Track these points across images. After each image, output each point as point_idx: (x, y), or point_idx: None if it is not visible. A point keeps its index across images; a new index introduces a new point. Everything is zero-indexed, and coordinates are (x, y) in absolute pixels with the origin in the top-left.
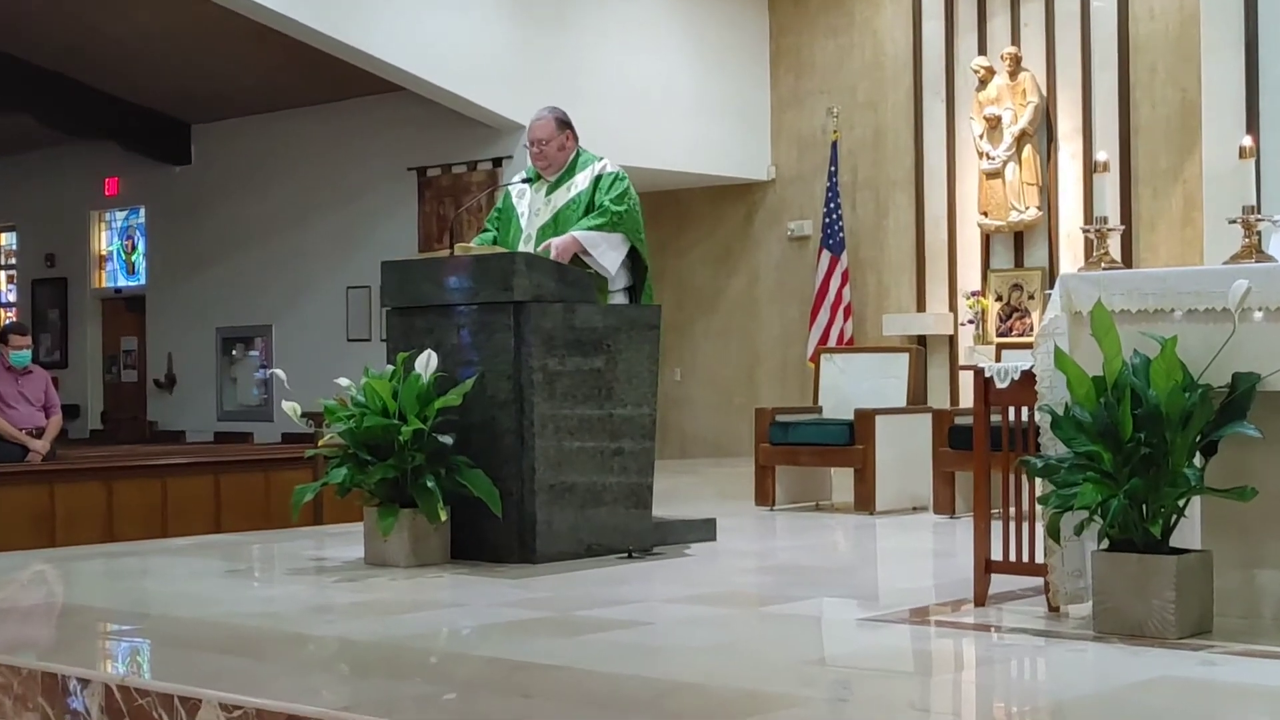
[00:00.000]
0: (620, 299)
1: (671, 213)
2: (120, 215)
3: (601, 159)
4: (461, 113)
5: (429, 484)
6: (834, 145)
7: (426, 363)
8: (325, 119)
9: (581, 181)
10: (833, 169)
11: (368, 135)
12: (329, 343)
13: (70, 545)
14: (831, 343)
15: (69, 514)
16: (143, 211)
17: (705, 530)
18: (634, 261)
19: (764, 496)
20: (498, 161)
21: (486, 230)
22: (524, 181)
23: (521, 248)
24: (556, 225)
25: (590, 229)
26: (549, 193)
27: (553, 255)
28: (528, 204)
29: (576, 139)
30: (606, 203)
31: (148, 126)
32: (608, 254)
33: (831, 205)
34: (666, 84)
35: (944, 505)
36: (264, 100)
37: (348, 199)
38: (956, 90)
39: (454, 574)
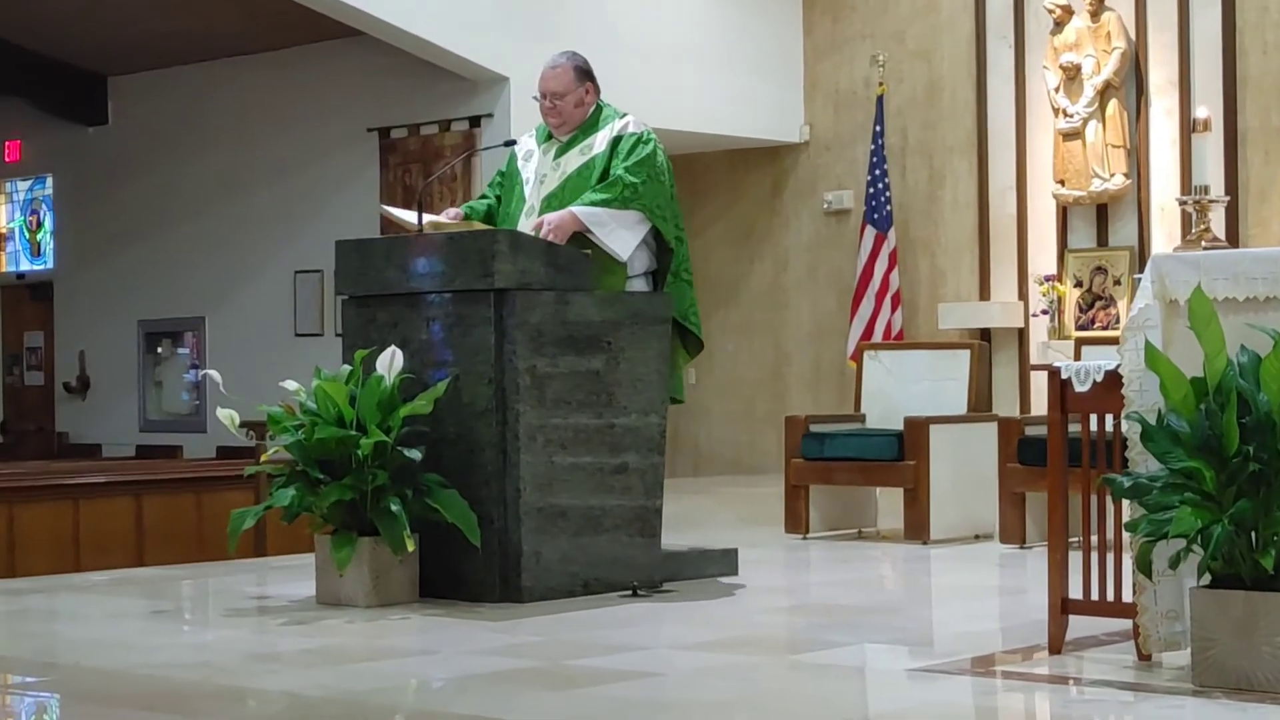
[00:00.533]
0: (641, 285)
1: (683, 182)
2: (23, 186)
3: (625, 116)
4: (432, 62)
5: (393, 508)
6: (879, 101)
7: (390, 362)
8: (269, 70)
9: (599, 143)
10: (878, 129)
11: (320, 89)
12: (273, 338)
13: None
14: (876, 338)
15: None
16: (50, 181)
17: (725, 563)
18: (659, 243)
19: (795, 522)
20: (475, 121)
21: (484, 197)
22: (530, 140)
23: (523, 222)
24: (564, 195)
25: (595, 204)
26: (559, 154)
27: (544, 234)
28: (534, 168)
29: (598, 91)
30: (621, 171)
31: (55, 79)
32: (617, 234)
33: (876, 173)
34: (678, 28)
35: (1012, 533)
36: (195, 48)
37: (296, 166)
38: (1027, 34)
39: (423, 615)
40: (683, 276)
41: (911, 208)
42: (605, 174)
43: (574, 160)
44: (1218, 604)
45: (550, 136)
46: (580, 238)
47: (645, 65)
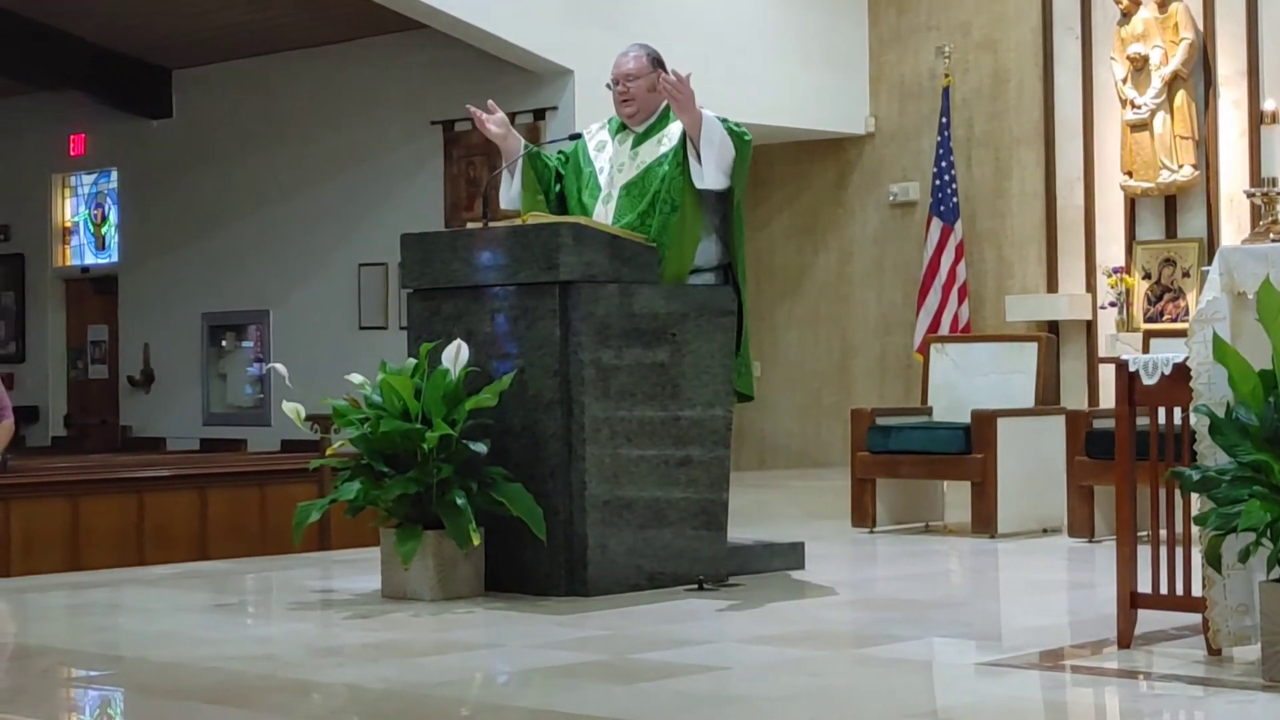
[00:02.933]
0: (710, 279)
1: (749, 175)
2: (88, 179)
3: (699, 108)
4: (496, 55)
5: (458, 501)
6: (945, 92)
7: (455, 355)
8: (332, 63)
9: (675, 133)
10: (944, 121)
11: (383, 82)
12: (338, 332)
13: (27, 575)
14: (943, 330)
15: (26, 537)
16: (114, 175)
17: (791, 556)
18: (725, 240)
19: (861, 516)
20: (540, 114)
21: (546, 160)
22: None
23: (599, 210)
24: (644, 183)
25: (719, 119)
26: (636, 144)
27: (675, 84)
28: (608, 158)
29: None
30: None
31: (120, 73)
32: (713, 159)
33: (942, 165)
34: (742, 19)
35: (1080, 527)
36: (258, 41)
37: (359, 159)
38: (1094, 25)
39: (488, 609)
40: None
41: (978, 200)
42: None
43: (652, 150)
44: None
45: (623, 128)
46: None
47: (709, 57)
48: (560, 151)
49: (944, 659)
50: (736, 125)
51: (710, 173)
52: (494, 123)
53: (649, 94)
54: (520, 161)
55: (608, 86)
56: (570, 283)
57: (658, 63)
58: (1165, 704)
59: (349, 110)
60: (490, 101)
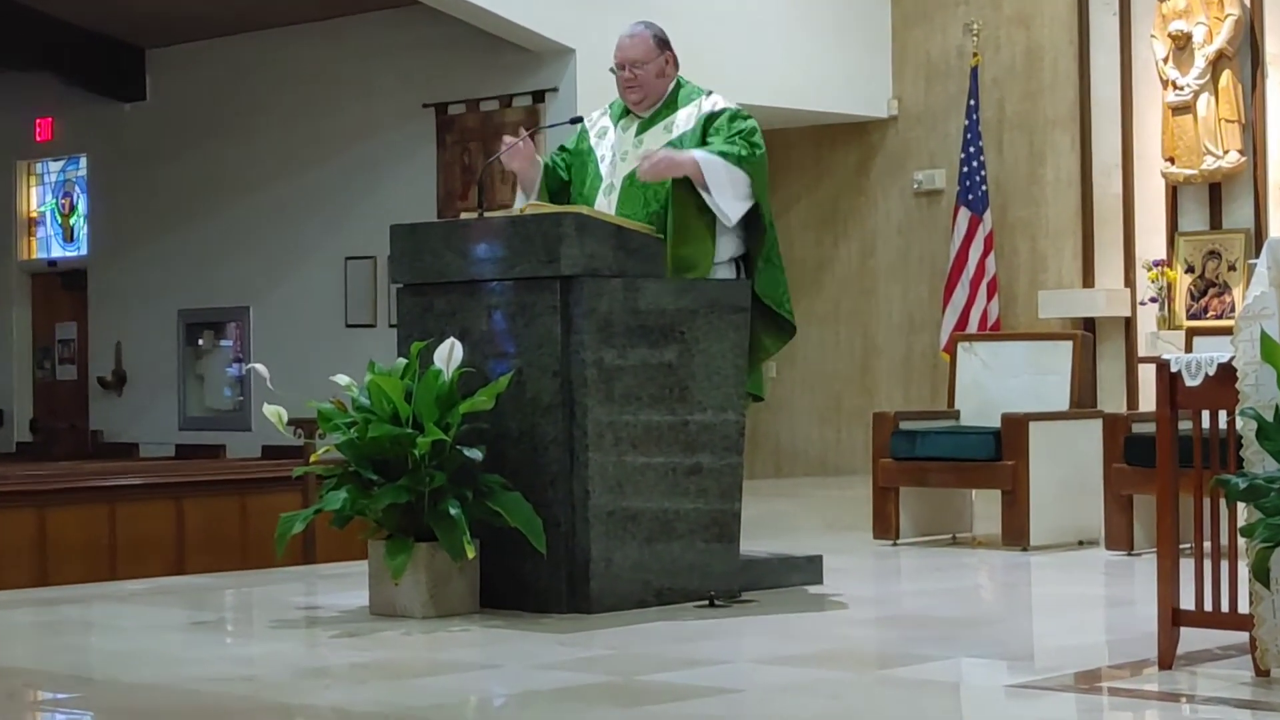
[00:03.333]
0: (726, 272)
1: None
2: (55, 167)
3: (710, 92)
4: (493, 33)
5: (452, 511)
6: (974, 72)
7: (449, 355)
8: (318, 42)
9: (684, 120)
10: (972, 103)
11: (372, 63)
12: (323, 329)
13: None
14: (971, 328)
15: None
16: (84, 161)
17: (809, 571)
18: (749, 227)
19: (884, 527)
20: (539, 96)
21: (556, 167)
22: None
23: (600, 201)
24: None
25: (715, 153)
26: (641, 131)
27: (651, 163)
28: (611, 145)
29: (677, 64)
30: (733, 137)
31: (90, 53)
32: (728, 195)
33: (971, 150)
34: None
35: (1119, 538)
36: (239, 18)
37: (347, 145)
38: (1133, 0)
39: (484, 627)
40: (774, 261)
41: (1009, 188)
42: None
43: (658, 137)
44: None
45: (627, 112)
46: (680, 193)
47: (720, 35)
48: (562, 148)
49: (973, 680)
50: (733, 145)
51: (731, 209)
52: (522, 156)
53: (656, 79)
54: (538, 183)
55: (611, 70)
56: (572, 277)
57: (664, 43)
58: None
59: (336, 92)
60: (524, 133)
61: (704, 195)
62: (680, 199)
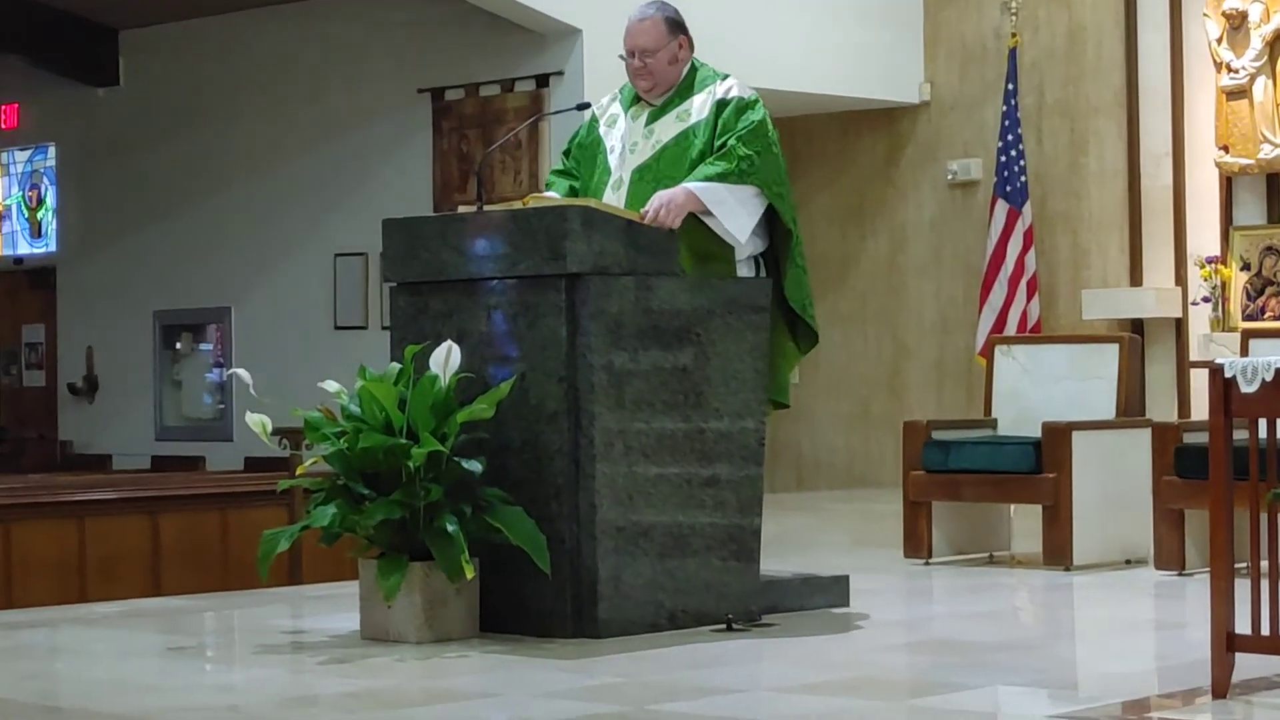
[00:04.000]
0: (746, 270)
1: (786, 149)
2: (21, 156)
3: (726, 77)
4: (494, 12)
5: (449, 528)
6: (1012, 55)
7: (445, 359)
8: (305, 22)
9: (698, 108)
10: (1010, 88)
11: (363, 43)
12: (310, 332)
13: None
14: (1010, 330)
15: None
16: (52, 151)
17: (834, 592)
18: (770, 224)
19: (916, 544)
20: (543, 80)
21: (563, 172)
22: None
23: (609, 195)
24: (660, 167)
25: (710, 178)
26: (651, 120)
27: (653, 216)
28: (620, 135)
29: (692, 47)
30: (733, 142)
31: (59, 34)
32: (735, 214)
33: (1009, 139)
34: None
35: (1169, 557)
36: None
37: (336, 133)
38: None
39: (484, 653)
40: (797, 262)
41: (1050, 178)
42: (709, 145)
43: (670, 128)
44: None
45: (638, 100)
46: (692, 219)
47: (739, 14)
48: (573, 142)
49: (1011, 710)
50: (730, 160)
51: (740, 227)
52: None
53: (668, 67)
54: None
55: (620, 57)
56: (579, 275)
57: (677, 26)
58: None
59: (324, 76)
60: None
61: (708, 221)
62: (688, 228)
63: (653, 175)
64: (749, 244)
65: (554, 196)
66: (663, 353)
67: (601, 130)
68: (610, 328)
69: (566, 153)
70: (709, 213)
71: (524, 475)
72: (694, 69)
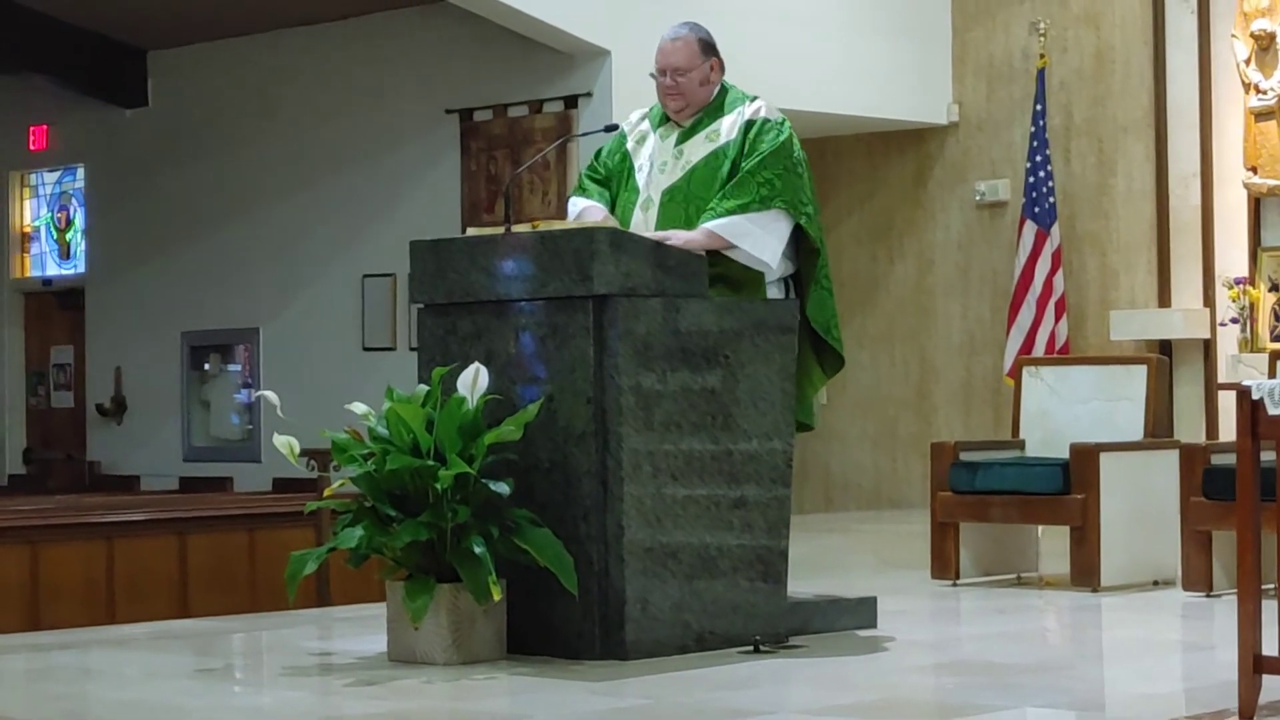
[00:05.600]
0: (775, 292)
1: (814, 170)
2: (50, 178)
3: (755, 99)
4: (522, 33)
5: (477, 549)
6: (1040, 75)
7: (473, 381)
8: (333, 43)
9: (727, 129)
10: (1039, 108)
11: (391, 65)
12: (338, 353)
13: None
14: (1038, 351)
15: None
16: (81, 172)
17: (861, 613)
18: (797, 244)
19: (943, 566)
20: (571, 101)
21: (585, 188)
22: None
23: (638, 216)
24: (690, 188)
25: (729, 214)
26: (681, 141)
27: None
28: (649, 154)
29: (723, 69)
30: (750, 167)
31: (88, 55)
32: (761, 241)
33: (1037, 159)
34: None
35: (1197, 579)
36: (248, 18)
37: (364, 154)
38: None
39: (512, 674)
40: (823, 284)
41: (1078, 199)
42: (736, 166)
43: (699, 148)
44: None
45: (667, 119)
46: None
47: (764, 36)
48: (599, 160)
49: None
50: (746, 191)
51: (767, 252)
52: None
53: (700, 88)
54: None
55: (651, 75)
56: (607, 296)
57: (709, 48)
58: None
59: (352, 97)
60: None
61: (733, 255)
62: (715, 260)
63: (683, 196)
64: (780, 266)
65: (563, 222)
66: (691, 374)
67: (630, 147)
68: (638, 349)
69: (593, 166)
70: (733, 246)
71: (552, 496)
72: (724, 90)
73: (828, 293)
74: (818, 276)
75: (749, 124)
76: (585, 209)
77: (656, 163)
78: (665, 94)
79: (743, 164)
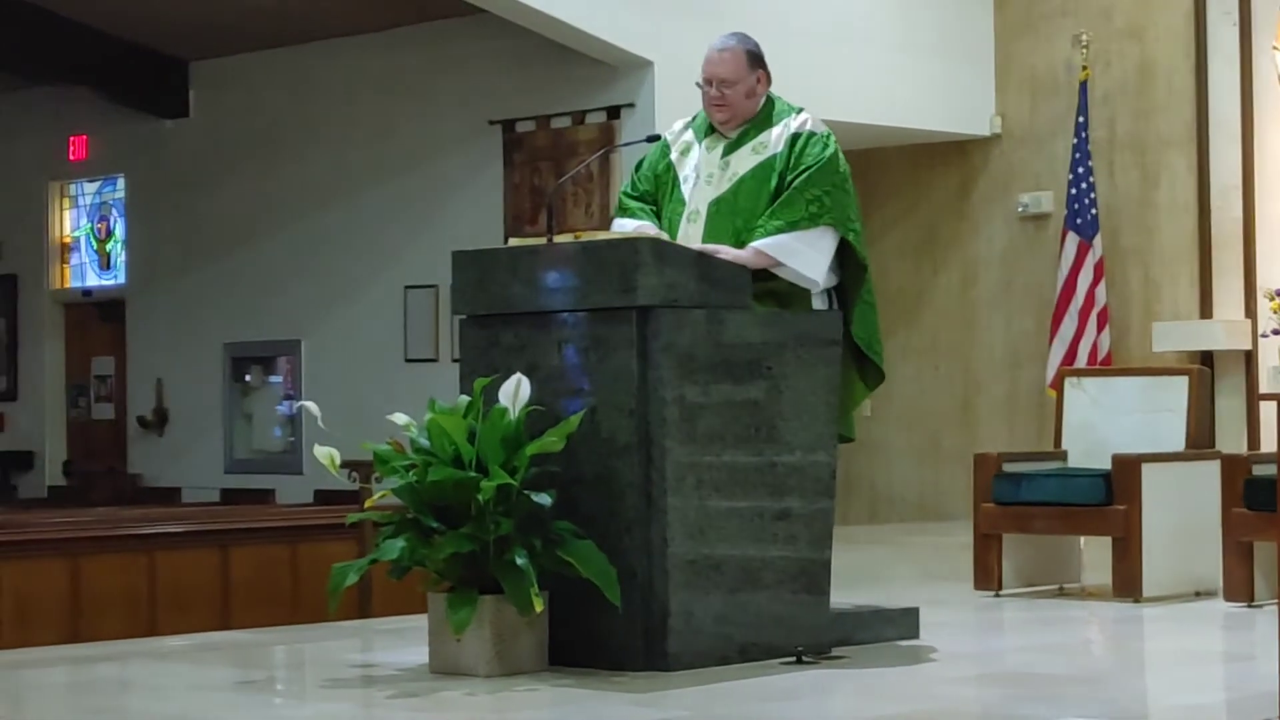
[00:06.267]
0: (820, 304)
1: (858, 183)
2: (90, 188)
3: (801, 111)
4: (565, 44)
5: (519, 561)
6: (1083, 88)
7: (515, 392)
8: (376, 54)
9: (774, 141)
10: (1081, 121)
11: (434, 76)
12: (380, 364)
13: (20, 647)
14: (1080, 362)
15: (19, 604)
16: (121, 182)
17: (905, 624)
18: (842, 258)
19: (986, 577)
20: (614, 112)
21: (627, 208)
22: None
23: (684, 227)
24: (737, 201)
25: (778, 231)
26: (727, 153)
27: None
28: (694, 165)
29: (770, 80)
30: (799, 183)
31: (129, 65)
32: (808, 259)
33: (1080, 171)
34: (849, 4)
35: (1239, 589)
36: (289, 28)
37: (406, 165)
38: (1254, 10)
39: (554, 686)
40: (866, 299)
41: (1121, 211)
42: (782, 178)
43: (746, 160)
44: None
45: (713, 130)
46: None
47: (810, 48)
48: (644, 173)
49: None
50: (795, 208)
51: (815, 269)
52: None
53: (746, 100)
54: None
55: (697, 85)
56: (650, 308)
57: (757, 60)
58: None
59: (394, 108)
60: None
61: (780, 273)
62: (761, 277)
63: (730, 209)
64: (824, 280)
65: (606, 232)
66: (734, 386)
67: (674, 157)
68: (681, 361)
69: (633, 182)
70: (781, 265)
71: (595, 509)
72: (770, 102)
73: (871, 308)
74: (862, 292)
75: (795, 136)
76: (638, 229)
77: (703, 174)
78: (711, 105)
79: (789, 178)
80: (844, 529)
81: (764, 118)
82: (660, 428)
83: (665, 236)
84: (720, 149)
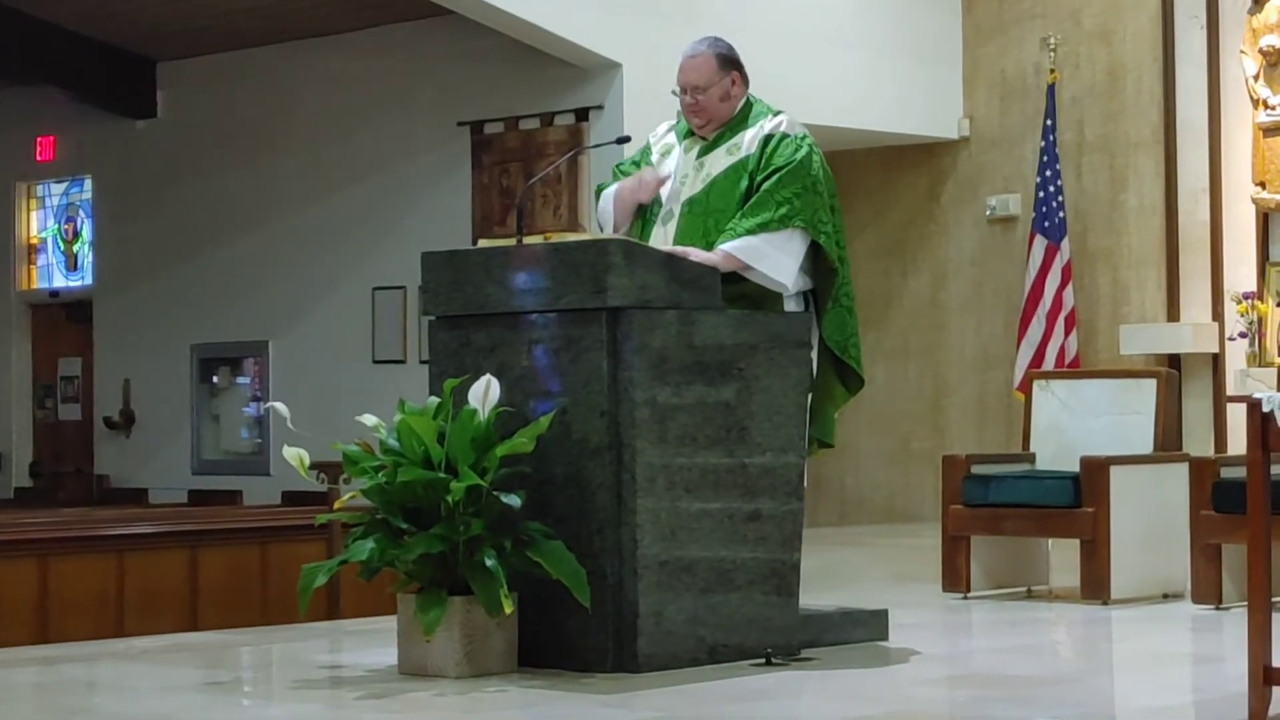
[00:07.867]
0: (794, 306)
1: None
2: (57, 189)
3: (778, 113)
4: (534, 46)
5: (489, 562)
6: (1051, 91)
7: (484, 393)
8: (345, 55)
9: (749, 142)
10: (1049, 123)
11: (402, 77)
12: (348, 366)
13: None
14: (1048, 365)
15: None
16: (89, 183)
17: (874, 626)
18: (816, 261)
19: (955, 579)
20: (583, 114)
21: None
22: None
23: (657, 229)
24: (709, 201)
25: (748, 233)
26: (703, 154)
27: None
28: (673, 167)
29: (746, 82)
30: (769, 185)
31: (97, 65)
32: (778, 263)
33: (1048, 174)
34: (817, 6)
35: (1207, 591)
36: (258, 29)
37: (375, 166)
38: (1221, 13)
39: (523, 688)
40: (842, 302)
41: (1088, 214)
42: (753, 179)
43: (720, 161)
44: None
45: (691, 133)
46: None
47: (779, 50)
48: (631, 160)
49: None
50: (766, 209)
51: (784, 273)
52: (651, 189)
53: (720, 103)
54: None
55: (673, 93)
56: (621, 309)
57: (728, 63)
58: None
59: (363, 109)
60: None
61: (749, 276)
62: (731, 280)
63: (702, 209)
64: (796, 283)
65: (576, 234)
66: (706, 387)
67: (654, 159)
68: (653, 362)
69: (615, 174)
70: (749, 269)
71: (566, 510)
72: (749, 104)
73: (847, 311)
74: (836, 295)
75: (768, 138)
76: (617, 189)
77: (679, 175)
78: (687, 111)
79: (759, 180)
80: (813, 531)
81: (740, 119)
82: (631, 429)
83: (654, 180)
84: (696, 150)
